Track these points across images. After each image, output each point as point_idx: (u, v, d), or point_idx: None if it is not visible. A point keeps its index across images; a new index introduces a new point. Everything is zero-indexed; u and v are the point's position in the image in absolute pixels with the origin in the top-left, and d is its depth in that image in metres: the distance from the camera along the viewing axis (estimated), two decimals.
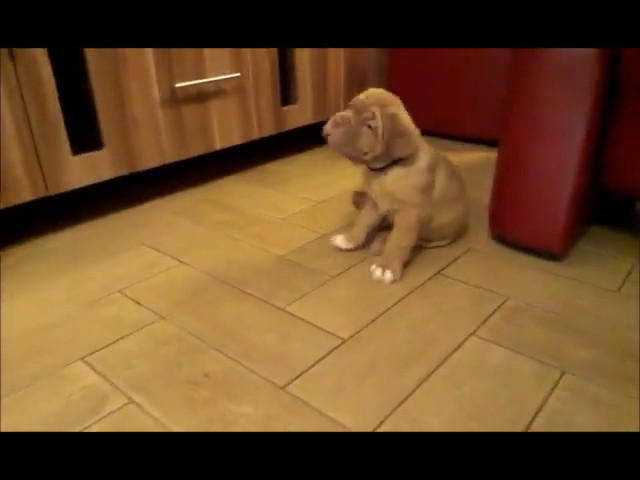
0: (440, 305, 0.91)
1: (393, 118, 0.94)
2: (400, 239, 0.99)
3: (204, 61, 1.35)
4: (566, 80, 0.92)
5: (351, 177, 1.54)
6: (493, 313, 0.88)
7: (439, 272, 1.02)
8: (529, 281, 0.98)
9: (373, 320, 0.87)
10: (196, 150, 1.41)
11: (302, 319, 0.87)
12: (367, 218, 1.10)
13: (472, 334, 0.83)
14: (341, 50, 1.74)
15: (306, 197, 1.40)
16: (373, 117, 0.94)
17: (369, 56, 1.86)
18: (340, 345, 0.80)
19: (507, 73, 1.05)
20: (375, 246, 1.08)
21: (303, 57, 1.62)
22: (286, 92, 1.64)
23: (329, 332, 0.84)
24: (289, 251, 1.11)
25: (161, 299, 0.94)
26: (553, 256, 1.05)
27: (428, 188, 1.00)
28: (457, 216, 1.08)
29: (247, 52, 1.45)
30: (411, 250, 1.01)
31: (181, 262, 1.07)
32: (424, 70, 1.88)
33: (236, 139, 1.50)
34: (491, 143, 1.82)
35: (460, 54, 1.78)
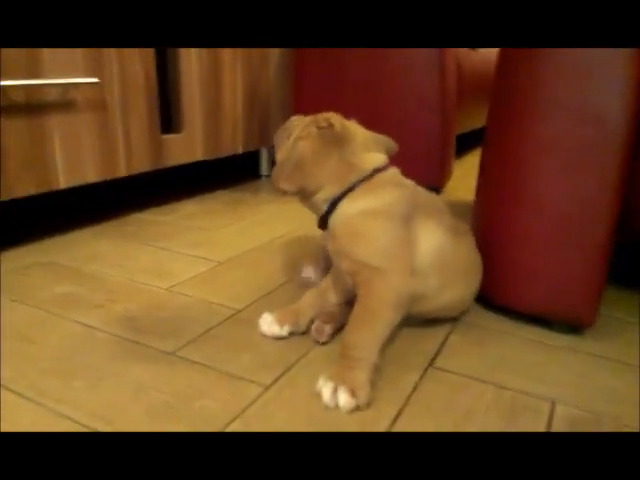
0: (460, 430, 0.52)
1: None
2: (365, 327, 0.59)
3: (42, 53, 0.90)
4: (592, 82, 0.64)
5: (263, 226, 1.14)
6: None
7: (430, 364, 0.64)
8: (560, 369, 0.64)
9: None
10: (24, 189, 0.92)
11: None
12: (323, 292, 0.71)
13: None
14: (238, 72, 1.37)
15: (201, 256, 0.96)
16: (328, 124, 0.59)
17: (271, 83, 1.52)
18: None
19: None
20: (321, 328, 0.68)
21: (191, 70, 1.22)
22: (168, 116, 1.21)
23: None
24: (181, 344, 0.66)
25: None
26: (574, 328, 0.73)
27: (402, 243, 0.63)
28: (472, 288, 0.72)
29: (110, 51, 1.01)
30: (382, 346, 0.59)
31: None
32: (331, 89, 1.57)
33: (91, 175, 1.03)
34: None
35: (366, 67, 1.50)
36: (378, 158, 0.68)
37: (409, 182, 0.69)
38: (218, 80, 1.31)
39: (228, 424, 0.51)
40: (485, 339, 0.71)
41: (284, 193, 0.66)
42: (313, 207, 0.69)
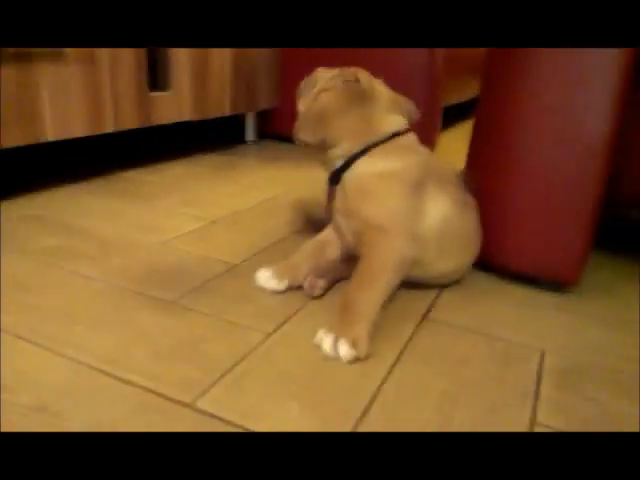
0: (456, 375, 0.55)
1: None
2: (368, 285, 0.60)
3: None
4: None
5: (253, 188, 1.13)
6: (540, 380, 0.55)
7: (425, 317, 0.66)
8: (550, 324, 0.67)
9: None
10: (12, 140, 0.89)
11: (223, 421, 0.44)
12: (319, 245, 0.72)
13: (533, 422, 0.48)
14: None
15: (193, 214, 0.96)
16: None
17: (259, 51, 1.50)
18: None
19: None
20: (315, 283, 0.69)
21: None
22: (155, 73, 1.19)
23: None
24: (180, 294, 0.66)
25: None
26: (559, 286, 0.76)
27: (410, 208, 0.64)
28: (466, 262, 0.74)
29: None
30: (382, 304, 0.60)
31: None
32: (319, 55, 1.56)
33: (79, 130, 1.00)
34: None
35: (357, 54, 1.50)
36: (398, 121, 0.68)
37: (425, 150, 0.70)
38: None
39: (231, 368, 0.52)
40: (477, 296, 0.73)
41: (305, 145, 0.67)
42: (327, 161, 0.69)
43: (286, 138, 1.60)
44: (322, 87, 0.66)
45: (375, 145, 0.66)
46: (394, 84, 1.43)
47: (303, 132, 0.66)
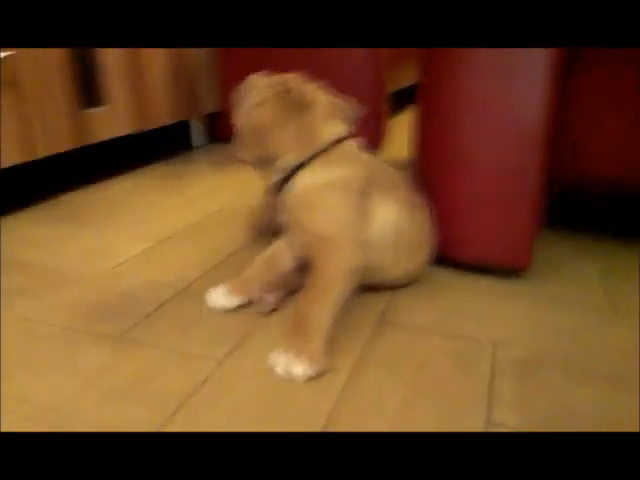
0: (414, 380, 0.55)
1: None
2: (318, 299, 0.58)
3: None
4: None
5: (201, 198, 1.11)
6: (493, 378, 0.55)
7: (380, 321, 0.66)
8: (505, 313, 0.68)
9: None
10: None
11: None
12: (271, 259, 0.70)
13: (488, 421, 0.49)
14: None
15: (141, 234, 0.93)
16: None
17: (199, 50, 1.45)
18: None
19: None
20: (265, 299, 0.67)
21: None
22: (89, 90, 1.14)
23: None
24: (128, 326, 0.64)
25: None
26: (513, 272, 0.77)
27: (356, 217, 0.63)
28: (417, 266, 0.73)
29: None
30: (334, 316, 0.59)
31: None
32: (263, 52, 1.53)
33: (8, 159, 0.96)
34: None
35: (295, 56, 1.48)
36: (338, 128, 0.67)
37: (367, 155, 0.69)
38: (138, 49, 1.24)
39: (184, 402, 0.51)
40: (432, 292, 0.73)
41: (245, 163, 0.65)
42: (269, 174, 0.67)
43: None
44: (255, 102, 0.64)
45: (316, 155, 0.65)
46: (338, 74, 1.41)
47: (242, 151, 0.65)
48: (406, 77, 2.09)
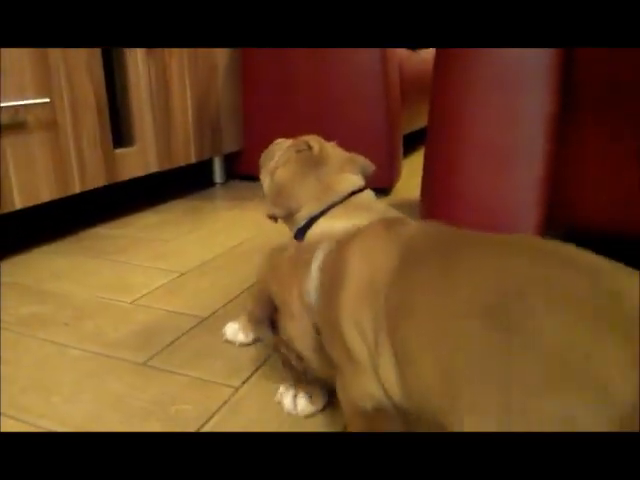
0: None
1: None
2: None
3: None
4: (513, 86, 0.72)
5: (222, 233, 1.17)
6: None
7: None
8: None
9: None
10: None
11: None
12: None
13: None
14: (186, 82, 1.40)
15: (162, 267, 0.99)
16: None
17: (220, 90, 1.55)
18: None
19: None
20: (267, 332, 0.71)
21: (139, 84, 1.24)
22: (119, 130, 1.23)
23: None
24: (150, 354, 0.70)
25: None
26: None
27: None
28: None
29: (59, 68, 1.03)
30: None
31: None
32: (280, 92, 1.62)
33: (46, 194, 1.04)
34: None
35: (312, 71, 1.56)
36: (353, 180, 0.74)
37: (381, 206, 0.75)
38: (167, 91, 1.33)
39: (203, 424, 0.56)
40: None
41: (273, 218, 0.73)
42: (293, 224, 0.74)
43: (252, 177, 1.64)
44: (277, 163, 0.71)
45: (333, 205, 0.71)
46: (353, 117, 1.49)
47: (272, 209, 0.72)
48: (419, 120, 2.17)
